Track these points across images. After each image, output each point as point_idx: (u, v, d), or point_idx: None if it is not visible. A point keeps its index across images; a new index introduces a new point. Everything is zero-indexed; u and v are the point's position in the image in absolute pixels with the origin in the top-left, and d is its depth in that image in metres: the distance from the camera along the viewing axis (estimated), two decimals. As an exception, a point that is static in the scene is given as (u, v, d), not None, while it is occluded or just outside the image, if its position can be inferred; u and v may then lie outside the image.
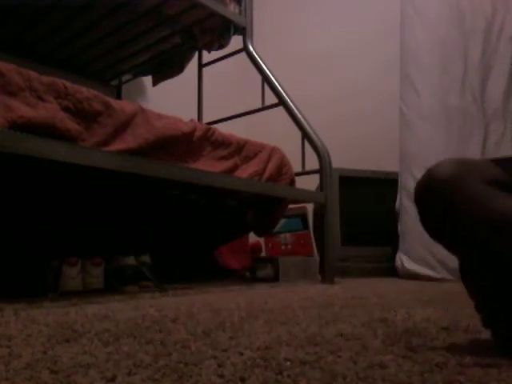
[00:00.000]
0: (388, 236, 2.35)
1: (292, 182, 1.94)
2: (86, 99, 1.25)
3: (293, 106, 2.00)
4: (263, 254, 2.68)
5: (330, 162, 1.95)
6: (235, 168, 1.69)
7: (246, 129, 2.49)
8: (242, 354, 0.56)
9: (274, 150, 1.88)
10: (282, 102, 2.03)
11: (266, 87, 2.09)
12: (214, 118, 2.25)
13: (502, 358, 0.52)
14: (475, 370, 0.49)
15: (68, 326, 0.76)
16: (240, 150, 1.74)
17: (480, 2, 2.23)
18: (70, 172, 1.29)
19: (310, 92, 2.84)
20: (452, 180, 0.55)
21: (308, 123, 1.98)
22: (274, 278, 1.95)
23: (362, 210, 2.41)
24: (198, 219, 2.02)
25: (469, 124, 2.20)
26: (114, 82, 2.61)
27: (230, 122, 2.24)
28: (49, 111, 1.15)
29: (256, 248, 2.60)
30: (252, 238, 2.50)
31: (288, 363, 0.51)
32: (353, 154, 2.65)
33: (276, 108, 2.06)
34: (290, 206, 2.16)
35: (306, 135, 1.98)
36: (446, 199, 0.54)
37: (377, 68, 2.79)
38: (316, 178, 1.96)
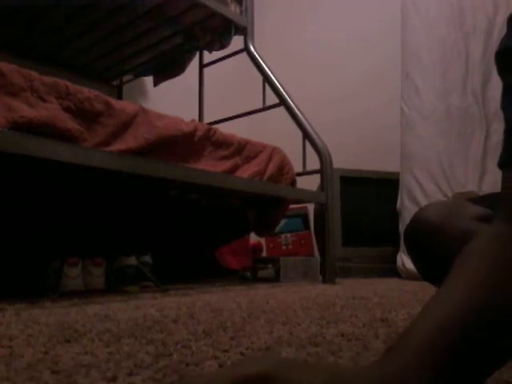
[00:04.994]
0: (389, 236, 2.35)
1: (293, 182, 1.94)
2: (87, 99, 1.25)
3: (294, 106, 2.00)
4: (264, 254, 2.68)
5: (330, 162, 1.95)
6: (236, 168, 1.69)
7: (247, 129, 2.49)
8: (243, 354, 0.56)
9: (274, 150, 1.88)
10: (282, 102, 2.03)
11: (267, 87, 2.09)
12: (215, 118, 2.25)
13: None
14: (477, 370, 0.48)
15: (69, 326, 0.76)
16: (241, 150, 1.74)
17: (481, 0, 2.23)
18: (71, 172, 1.29)
19: (311, 92, 2.84)
20: (440, 220, 0.57)
21: (309, 123, 1.98)
22: (275, 278, 1.95)
23: (362, 210, 2.41)
24: (199, 219, 2.02)
25: (470, 124, 2.19)
26: (116, 82, 2.61)
27: (231, 122, 2.24)
28: (50, 111, 1.15)
29: (257, 248, 2.60)
30: (253, 238, 2.50)
31: (289, 363, 0.51)
32: (354, 154, 2.65)
33: (277, 108, 2.07)
34: (291, 206, 2.16)
35: (306, 135, 1.98)
36: (437, 239, 0.56)
37: (378, 68, 2.79)
38: (317, 178, 1.96)
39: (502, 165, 0.41)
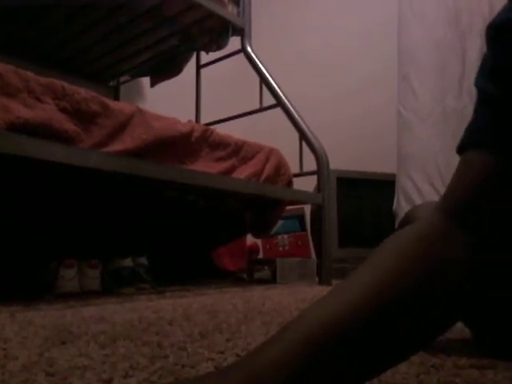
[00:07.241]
0: (386, 237, 2.35)
1: (290, 183, 1.94)
2: (84, 100, 1.25)
3: (290, 107, 2.00)
4: (260, 255, 2.67)
5: (327, 163, 1.95)
6: (233, 169, 1.69)
7: (244, 130, 2.49)
8: (238, 355, 0.56)
9: (271, 151, 1.88)
10: (279, 103, 2.03)
11: (264, 88, 2.09)
12: (212, 119, 2.25)
13: (498, 359, 0.52)
14: (471, 371, 0.49)
15: (64, 328, 0.75)
16: (238, 151, 1.74)
17: (477, 1, 2.24)
18: (67, 173, 1.29)
19: (308, 93, 2.84)
20: None
21: (306, 124, 1.98)
22: (272, 280, 1.95)
23: (359, 212, 2.41)
24: (196, 221, 2.02)
25: (466, 125, 2.20)
26: (112, 83, 2.61)
27: (227, 123, 2.24)
28: (46, 112, 1.15)
29: (253, 249, 2.60)
30: (249, 239, 2.49)
31: (285, 365, 0.51)
32: (350, 155, 2.66)
33: (274, 109, 2.07)
34: (288, 207, 2.16)
35: (303, 136, 1.98)
36: None
37: (374, 69, 2.79)
38: (313, 179, 1.96)
39: (459, 149, 0.38)
